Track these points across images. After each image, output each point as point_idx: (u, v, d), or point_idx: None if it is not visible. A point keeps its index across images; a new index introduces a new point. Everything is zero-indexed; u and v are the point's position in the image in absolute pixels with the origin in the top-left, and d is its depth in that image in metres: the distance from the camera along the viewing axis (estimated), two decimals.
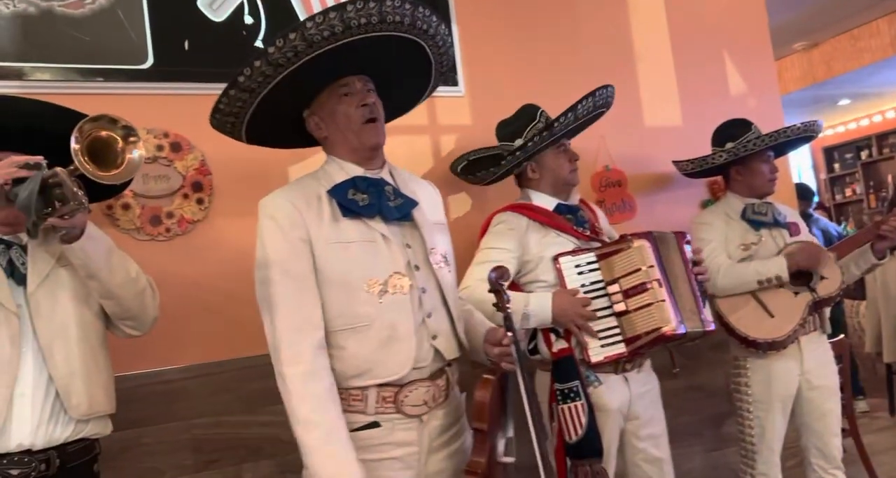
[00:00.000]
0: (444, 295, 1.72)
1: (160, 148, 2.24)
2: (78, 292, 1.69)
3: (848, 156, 9.91)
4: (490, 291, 1.77)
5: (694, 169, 2.73)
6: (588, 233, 2.25)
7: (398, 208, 1.71)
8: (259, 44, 2.39)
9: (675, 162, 2.80)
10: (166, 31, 2.28)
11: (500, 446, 1.62)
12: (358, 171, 1.70)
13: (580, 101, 2.24)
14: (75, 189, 1.46)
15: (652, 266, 2.09)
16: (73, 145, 1.48)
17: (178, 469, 2.14)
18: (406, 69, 1.80)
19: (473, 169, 2.54)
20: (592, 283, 2.13)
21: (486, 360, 1.77)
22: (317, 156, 1.90)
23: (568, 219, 2.25)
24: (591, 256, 2.16)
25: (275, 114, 1.71)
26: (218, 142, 1.90)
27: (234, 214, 2.30)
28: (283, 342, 1.57)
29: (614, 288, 2.12)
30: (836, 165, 10.08)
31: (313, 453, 1.54)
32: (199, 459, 2.17)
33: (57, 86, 2.14)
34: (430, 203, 1.83)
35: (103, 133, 1.55)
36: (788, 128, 2.53)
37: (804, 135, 2.59)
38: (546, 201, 2.29)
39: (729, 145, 2.59)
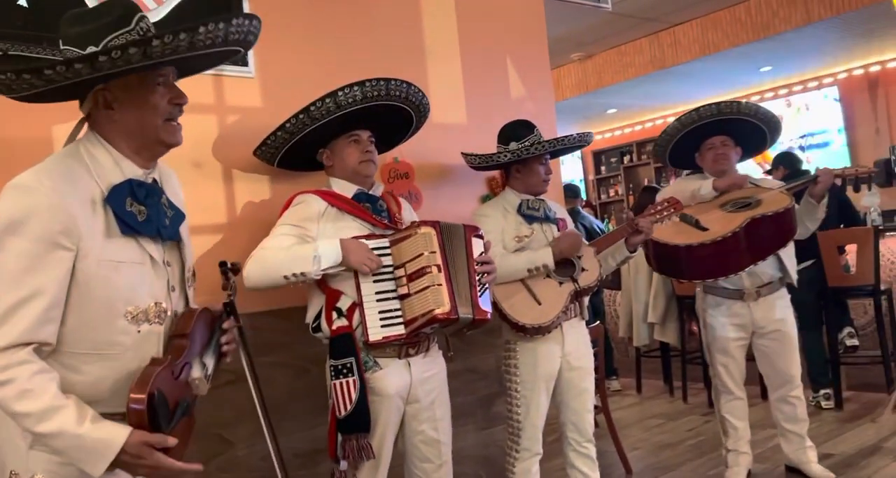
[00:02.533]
0: None
1: None
2: None
3: (613, 160, 10.91)
4: (221, 272, 1.76)
5: (480, 164, 2.89)
6: (386, 221, 2.31)
7: (172, 225, 1.59)
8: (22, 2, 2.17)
9: (463, 154, 2.93)
10: None
11: (197, 371, 1.55)
12: (135, 171, 1.53)
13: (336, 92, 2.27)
14: None
15: (434, 252, 2.18)
16: None
17: None
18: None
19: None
20: (383, 267, 2.18)
21: None
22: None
23: (366, 207, 2.30)
24: (385, 242, 2.22)
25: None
26: None
27: None
28: (2, 328, 1.36)
29: (400, 272, 2.19)
30: (603, 168, 11.07)
31: (68, 436, 1.36)
32: None
33: None
34: (179, 197, 1.71)
35: None
36: (566, 137, 2.76)
37: (578, 144, 2.84)
38: (345, 188, 2.33)
39: (513, 145, 2.77)
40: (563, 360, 2.73)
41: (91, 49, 1.44)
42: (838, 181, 3.25)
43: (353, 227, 2.25)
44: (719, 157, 3.22)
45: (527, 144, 2.73)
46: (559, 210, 2.94)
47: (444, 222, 2.27)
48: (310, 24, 2.84)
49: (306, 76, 2.72)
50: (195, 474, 1.48)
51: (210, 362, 1.59)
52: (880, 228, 5.06)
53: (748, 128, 3.26)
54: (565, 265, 2.71)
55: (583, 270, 2.72)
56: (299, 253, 2.12)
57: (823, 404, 4.51)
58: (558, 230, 2.82)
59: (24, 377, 1.35)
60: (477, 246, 2.34)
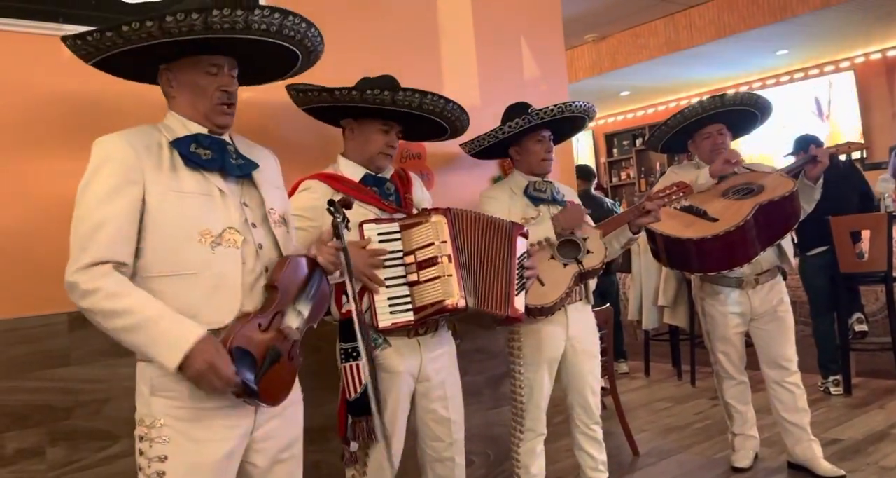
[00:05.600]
0: (281, 252, 1.78)
1: None
2: None
3: (625, 142, 10.84)
4: (328, 209, 1.86)
5: (472, 150, 2.87)
6: (394, 205, 2.30)
7: (240, 167, 1.76)
8: None
9: (461, 145, 2.91)
10: None
11: (292, 319, 1.69)
12: (201, 130, 1.74)
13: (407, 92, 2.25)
14: None
15: (445, 242, 2.17)
16: None
17: None
18: (270, 58, 1.89)
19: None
20: (392, 252, 2.18)
21: None
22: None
23: (374, 191, 2.29)
24: (395, 226, 2.21)
25: (132, 53, 1.70)
26: None
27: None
28: (84, 251, 1.55)
29: (410, 259, 2.18)
30: (615, 151, 11.00)
31: (149, 327, 1.53)
32: None
33: None
34: (271, 170, 1.89)
35: None
36: (543, 109, 2.67)
37: (561, 116, 2.70)
38: (354, 171, 2.31)
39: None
40: (567, 343, 2.73)
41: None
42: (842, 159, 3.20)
43: (360, 213, 2.23)
44: (717, 146, 3.21)
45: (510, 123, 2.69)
46: (568, 192, 2.92)
47: (455, 209, 2.25)
48: (323, 3, 2.82)
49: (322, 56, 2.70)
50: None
51: (305, 307, 1.72)
52: (894, 214, 5.01)
53: (741, 113, 3.24)
54: (570, 247, 2.70)
55: (588, 252, 2.70)
56: None
57: (832, 390, 4.51)
58: None
59: (108, 285, 1.54)
60: (521, 245, 2.35)
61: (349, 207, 1.88)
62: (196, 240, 1.64)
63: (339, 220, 1.83)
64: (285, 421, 1.76)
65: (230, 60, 1.76)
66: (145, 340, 1.54)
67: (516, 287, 2.28)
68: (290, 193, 2.28)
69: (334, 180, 2.27)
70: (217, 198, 1.70)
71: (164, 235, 1.62)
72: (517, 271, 2.30)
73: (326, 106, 2.36)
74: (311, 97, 2.35)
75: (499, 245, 2.31)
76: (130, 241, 1.60)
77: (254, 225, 1.74)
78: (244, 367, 1.55)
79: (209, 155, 1.70)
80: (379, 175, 2.33)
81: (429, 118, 2.40)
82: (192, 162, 1.68)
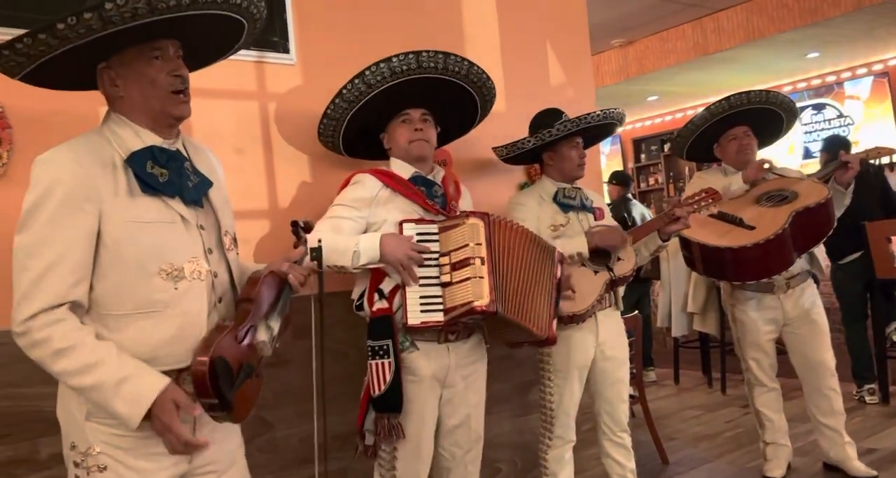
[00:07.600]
0: (233, 279, 1.69)
1: None
2: None
3: (653, 148, 10.75)
4: (293, 232, 1.78)
5: (508, 154, 2.86)
6: (438, 207, 2.31)
7: (196, 189, 1.62)
8: None
9: (494, 148, 2.91)
10: None
11: (262, 334, 1.62)
12: (155, 139, 1.58)
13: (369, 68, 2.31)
14: None
15: (479, 244, 2.17)
16: None
17: None
18: (217, 34, 1.70)
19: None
20: (430, 252, 2.20)
21: None
22: None
23: (421, 190, 2.31)
24: (434, 228, 2.23)
25: (64, 58, 1.49)
26: (20, 93, 1.75)
27: None
28: (30, 300, 1.41)
29: (445, 260, 2.20)
30: (643, 156, 10.91)
31: (110, 389, 1.42)
32: None
33: None
34: (221, 179, 1.77)
35: None
36: (588, 114, 2.66)
37: (605, 121, 2.72)
38: (404, 169, 2.35)
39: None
40: (597, 349, 2.72)
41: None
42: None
43: (405, 210, 2.27)
44: (744, 147, 3.19)
45: (551, 129, 2.69)
46: (596, 199, 2.91)
47: (494, 215, 2.26)
48: (350, 11, 2.85)
49: (346, 64, 2.72)
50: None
51: (275, 324, 1.65)
52: None
53: (766, 117, 3.20)
54: (601, 254, 2.68)
55: (618, 259, 2.69)
56: (341, 246, 2.14)
57: (867, 398, 4.43)
58: (595, 219, 2.80)
59: (57, 336, 1.42)
60: (559, 271, 2.39)
61: (309, 230, 1.79)
62: (158, 275, 1.50)
63: (303, 242, 1.76)
64: (221, 442, 1.64)
65: (173, 42, 1.57)
66: (101, 400, 1.45)
67: (555, 311, 2.31)
68: (342, 187, 2.34)
69: (384, 175, 2.31)
70: (179, 225, 1.56)
71: (124, 271, 1.48)
72: (556, 297, 2.33)
73: (361, 134, 2.45)
74: (331, 116, 2.42)
75: (542, 265, 2.33)
76: (85, 279, 1.46)
77: (210, 251, 1.62)
78: (224, 379, 1.48)
79: (166, 176, 1.55)
80: (429, 177, 2.36)
81: (453, 96, 2.44)
82: (150, 187, 1.53)
